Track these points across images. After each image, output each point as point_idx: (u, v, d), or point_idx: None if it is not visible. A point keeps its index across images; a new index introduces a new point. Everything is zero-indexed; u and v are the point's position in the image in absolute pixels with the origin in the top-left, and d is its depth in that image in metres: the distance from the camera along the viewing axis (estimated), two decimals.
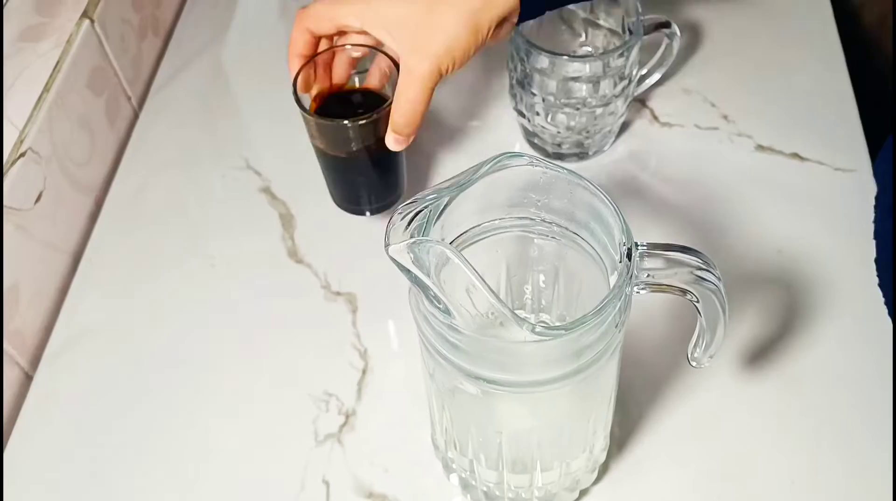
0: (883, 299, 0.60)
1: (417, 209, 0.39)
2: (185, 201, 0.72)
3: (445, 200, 0.39)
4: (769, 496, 0.54)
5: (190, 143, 0.76)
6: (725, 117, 0.73)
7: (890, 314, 0.60)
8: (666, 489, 0.54)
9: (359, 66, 0.63)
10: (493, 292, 0.36)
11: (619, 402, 0.52)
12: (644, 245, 0.40)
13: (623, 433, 0.56)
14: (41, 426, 0.60)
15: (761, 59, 0.77)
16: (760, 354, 0.59)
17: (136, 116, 0.78)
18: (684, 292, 0.40)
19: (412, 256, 0.37)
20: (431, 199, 0.39)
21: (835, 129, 0.71)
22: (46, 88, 0.65)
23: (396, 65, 0.58)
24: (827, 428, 0.56)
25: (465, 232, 0.45)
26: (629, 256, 0.39)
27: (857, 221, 0.65)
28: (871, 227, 0.65)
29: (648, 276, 0.40)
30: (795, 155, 0.70)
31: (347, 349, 0.62)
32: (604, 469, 0.55)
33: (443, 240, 0.41)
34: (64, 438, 0.59)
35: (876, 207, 0.65)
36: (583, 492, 0.54)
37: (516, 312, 0.40)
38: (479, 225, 0.45)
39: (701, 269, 0.40)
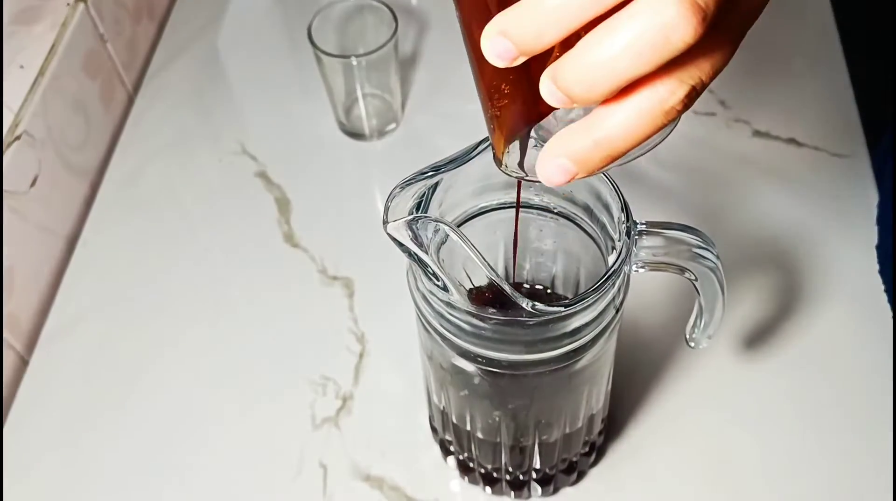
0: (883, 287, 0.60)
1: (415, 187, 0.39)
2: (180, 186, 0.71)
3: (443, 177, 0.39)
4: (768, 479, 0.54)
5: (185, 127, 0.75)
6: (723, 103, 0.73)
7: (890, 301, 0.60)
8: (664, 472, 0.54)
9: None
10: (491, 268, 0.36)
11: (616, 384, 0.52)
12: (643, 223, 0.40)
13: (621, 415, 0.56)
14: (37, 411, 0.59)
15: (758, 44, 0.77)
16: (758, 337, 0.59)
17: (131, 101, 0.78)
18: (683, 270, 0.40)
19: (410, 233, 0.37)
20: (429, 176, 0.39)
21: (832, 114, 0.71)
22: (41, 72, 0.65)
23: None
24: (826, 412, 0.56)
25: (463, 212, 0.44)
26: (628, 234, 0.39)
27: (854, 206, 0.66)
28: (868, 212, 0.65)
29: (647, 254, 0.40)
30: (792, 141, 0.70)
31: (344, 333, 0.62)
32: (601, 452, 0.55)
33: (442, 218, 0.41)
34: (60, 422, 0.59)
35: (880, 192, 0.65)
36: (581, 475, 0.54)
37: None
38: (478, 205, 0.45)
39: (700, 247, 0.40)
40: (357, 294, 0.63)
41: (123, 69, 0.77)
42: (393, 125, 0.73)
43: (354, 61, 0.66)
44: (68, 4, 0.66)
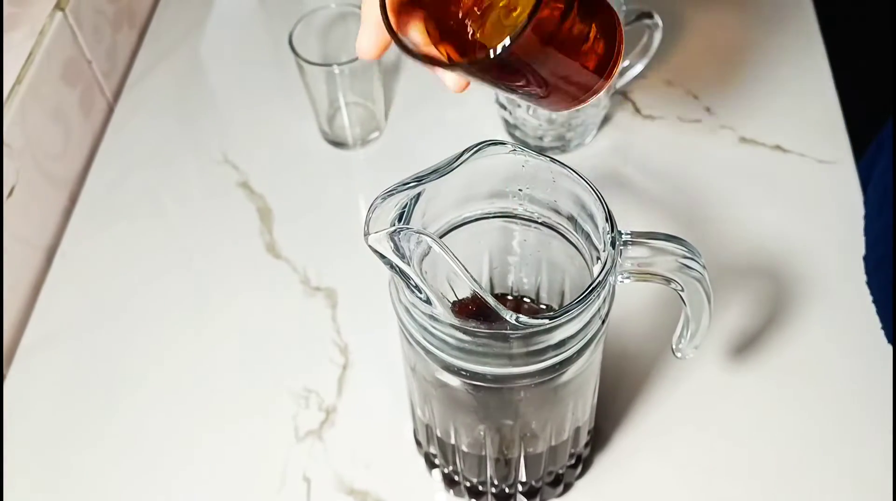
0: (871, 297, 0.60)
1: (397, 197, 0.38)
2: (161, 196, 0.70)
3: (426, 187, 0.39)
4: (755, 489, 0.53)
5: (167, 137, 0.74)
6: (708, 110, 0.73)
7: (878, 312, 0.59)
8: (651, 483, 0.54)
9: None
10: (475, 280, 0.35)
11: (602, 396, 0.51)
12: (628, 234, 0.39)
13: (607, 427, 0.56)
14: (14, 426, 0.58)
15: (743, 51, 0.77)
16: (744, 346, 0.59)
17: (111, 110, 0.77)
18: (668, 280, 0.40)
19: (392, 245, 0.36)
20: (412, 186, 0.38)
21: (817, 121, 0.71)
22: (18, 80, 0.64)
23: None
24: (813, 421, 0.56)
25: (446, 223, 0.44)
26: (613, 244, 0.38)
27: (840, 212, 0.65)
28: (853, 218, 0.65)
29: (633, 264, 0.39)
30: (778, 147, 0.70)
31: (327, 344, 0.61)
32: (588, 464, 0.54)
33: (424, 229, 0.40)
34: (39, 437, 0.58)
35: (865, 202, 0.65)
36: (567, 487, 0.53)
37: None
38: (461, 216, 0.44)
39: (685, 257, 0.39)
40: (340, 305, 0.63)
41: (103, 77, 0.76)
42: (376, 134, 0.72)
43: (336, 69, 0.65)
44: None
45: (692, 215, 0.66)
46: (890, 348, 0.58)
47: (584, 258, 0.43)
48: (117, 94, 0.78)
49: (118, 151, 0.74)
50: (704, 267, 0.40)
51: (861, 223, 0.64)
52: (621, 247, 0.39)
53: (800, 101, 0.73)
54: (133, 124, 0.75)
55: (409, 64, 0.78)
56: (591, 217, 0.41)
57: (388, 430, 0.57)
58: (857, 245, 0.63)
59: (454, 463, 0.50)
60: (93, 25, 0.74)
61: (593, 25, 0.35)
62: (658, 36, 0.66)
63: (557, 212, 0.43)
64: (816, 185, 0.67)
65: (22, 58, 0.65)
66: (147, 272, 0.66)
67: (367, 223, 0.37)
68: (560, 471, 0.51)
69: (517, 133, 0.70)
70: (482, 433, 0.46)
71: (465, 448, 0.48)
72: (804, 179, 0.68)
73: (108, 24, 0.77)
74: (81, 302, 0.64)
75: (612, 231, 0.38)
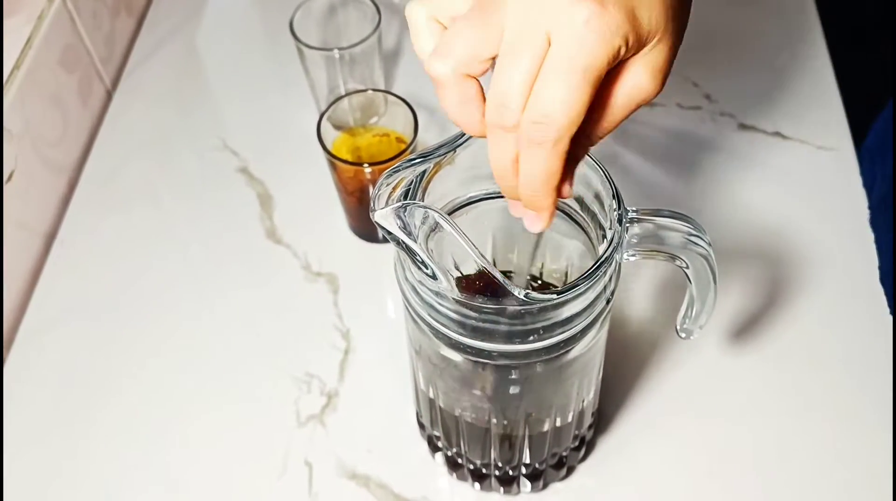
0: (874, 277, 0.60)
1: (403, 175, 0.38)
2: (161, 183, 0.70)
3: (431, 165, 0.39)
4: (757, 472, 0.53)
5: (165, 123, 0.74)
6: (708, 97, 0.73)
7: (887, 299, 0.59)
8: (653, 466, 0.54)
9: None
10: (482, 255, 0.35)
11: (606, 378, 0.51)
12: (634, 210, 0.39)
13: (610, 409, 0.56)
14: (13, 412, 0.58)
15: (743, 38, 0.77)
16: (746, 330, 0.59)
17: (109, 96, 0.77)
18: (674, 257, 0.40)
19: (399, 221, 0.36)
20: (417, 163, 0.38)
21: (816, 108, 0.71)
22: (17, 65, 0.63)
23: None
24: (814, 403, 0.56)
25: (450, 202, 0.44)
26: (620, 221, 0.38)
27: (839, 198, 0.65)
28: (853, 204, 0.65)
29: (639, 241, 0.39)
30: (778, 134, 0.70)
31: (329, 329, 0.61)
32: (591, 447, 0.54)
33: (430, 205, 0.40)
34: (37, 424, 0.57)
35: (872, 220, 0.64)
36: (570, 470, 0.53)
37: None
38: (466, 195, 0.44)
39: (691, 234, 0.39)
40: (342, 290, 0.62)
41: (101, 64, 0.76)
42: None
43: (337, 54, 0.65)
44: None
45: (692, 201, 0.66)
46: (891, 332, 0.58)
47: (590, 238, 0.43)
48: (116, 80, 0.78)
49: (117, 137, 0.73)
50: (710, 244, 0.40)
51: (861, 210, 0.64)
52: (627, 224, 0.39)
53: (799, 87, 0.73)
54: (132, 111, 0.75)
55: (410, 50, 0.77)
56: (597, 196, 0.41)
57: (390, 414, 0.57)
58: (857, 230, 0.63)
59: (458, 445, 0.50)
60: (91, 11, 0.74)
61: None
62: None
63: None
64: (816, 171, 0.67)
65: (20, 43, 0.64)
66: (147, 258, 0.65)
67: (373, 199, 0.37)
68: (564, 453, 0.51)
69: None
70: (487, 413, 0.46)
71: (469, 430, 0.48)
72: (804, 166, 0.68)
73: (107, 11, 0.77)
74: (81, 288, 0.64)
75: (619, 208, 0.38)
